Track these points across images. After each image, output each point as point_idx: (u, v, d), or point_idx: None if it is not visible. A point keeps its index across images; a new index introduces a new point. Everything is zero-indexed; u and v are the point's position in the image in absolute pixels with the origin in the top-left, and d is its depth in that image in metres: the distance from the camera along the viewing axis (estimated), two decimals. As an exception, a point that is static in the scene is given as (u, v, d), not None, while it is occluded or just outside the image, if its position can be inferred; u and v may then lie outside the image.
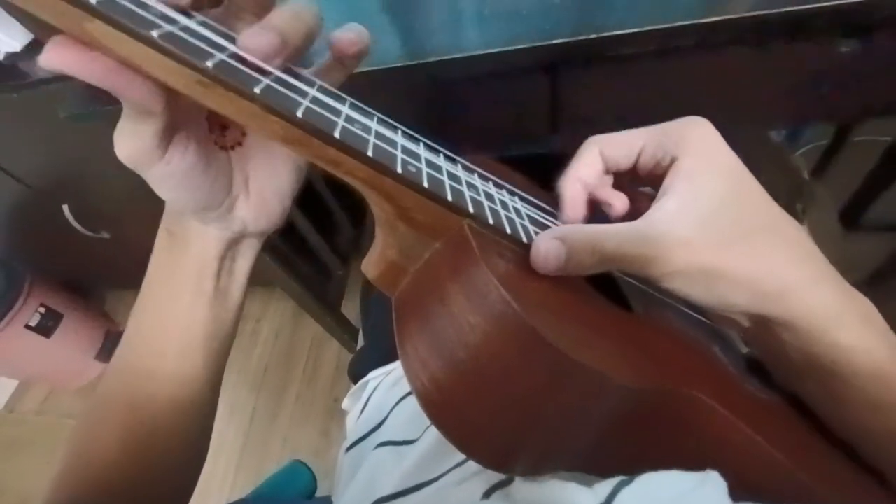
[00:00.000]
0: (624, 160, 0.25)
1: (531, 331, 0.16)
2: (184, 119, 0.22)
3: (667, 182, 0.23)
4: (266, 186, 0.27)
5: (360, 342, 0.61)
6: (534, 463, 0.20)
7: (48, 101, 0.67)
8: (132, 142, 0.21)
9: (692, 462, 0.18)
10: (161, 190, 0.23)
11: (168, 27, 0.17)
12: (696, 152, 0.23)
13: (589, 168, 0.26)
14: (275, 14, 0.20)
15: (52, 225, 1.08)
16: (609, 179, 0.27)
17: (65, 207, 1.03)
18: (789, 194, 0.81)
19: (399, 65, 0.45)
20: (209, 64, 0.17)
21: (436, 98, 0.52)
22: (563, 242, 0.20)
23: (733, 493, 0.17)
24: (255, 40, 0.18)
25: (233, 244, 0.28)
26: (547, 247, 0.20)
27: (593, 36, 0.41)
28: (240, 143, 0.26)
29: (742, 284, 0.22)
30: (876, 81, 0.46)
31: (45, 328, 1.25)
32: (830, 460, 0.24)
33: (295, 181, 0.28)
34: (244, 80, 0.18)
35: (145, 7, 0.17)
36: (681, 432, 0.21)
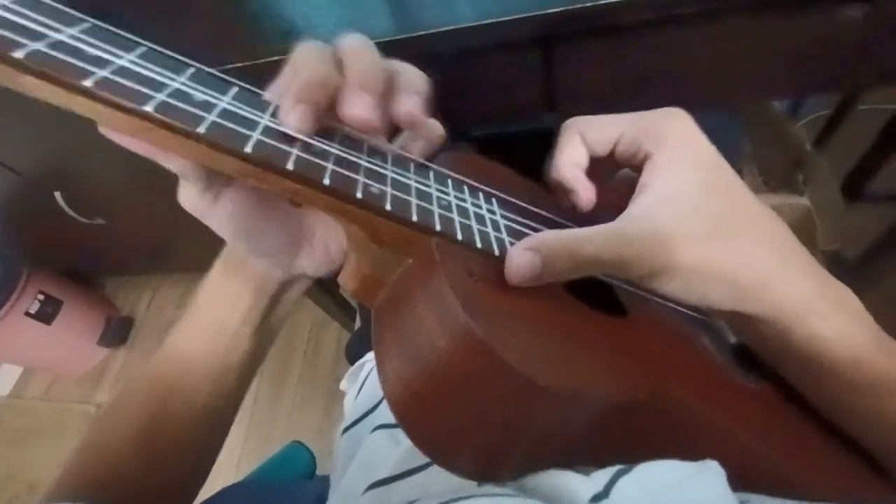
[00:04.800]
0: (601, 147, 0.25)
1: (494, 355, 0.16)
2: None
3: (643, 179, 0.23)
4: (332, 240, 0.28)
5: (358, 323, 0.61)
6: (516, 471, 0.20)
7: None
8: (185, 194, 0.23)
9: (684, 455, 0.18)
10: (221, 235, 0.25)
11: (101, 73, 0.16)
12: (672, 148, 0.23)
13: (577, 150, 0.26)
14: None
15: (46, 213, 1.06)
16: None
17: (57, 195, 1.02)
18: (790, 166, 0.80)
19: (387, 39, 0.43)
20: (148, 108, 0.16)
21: (427, 74, 0.50)
22: (537, 253, 0.20)
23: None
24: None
25: (288, 285, 0.31)
26: (519, 260, 0.20)
27: (589, 4, 0.40)
28: None
29: (720, 281, 0.22)
30: (885, 47, 0.45)
31: (46, 315, 1.26)
32: (821, 447, 0.25)
33: None
34: (185, 118, 0.17)
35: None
36: (667, 430, 0.21)
